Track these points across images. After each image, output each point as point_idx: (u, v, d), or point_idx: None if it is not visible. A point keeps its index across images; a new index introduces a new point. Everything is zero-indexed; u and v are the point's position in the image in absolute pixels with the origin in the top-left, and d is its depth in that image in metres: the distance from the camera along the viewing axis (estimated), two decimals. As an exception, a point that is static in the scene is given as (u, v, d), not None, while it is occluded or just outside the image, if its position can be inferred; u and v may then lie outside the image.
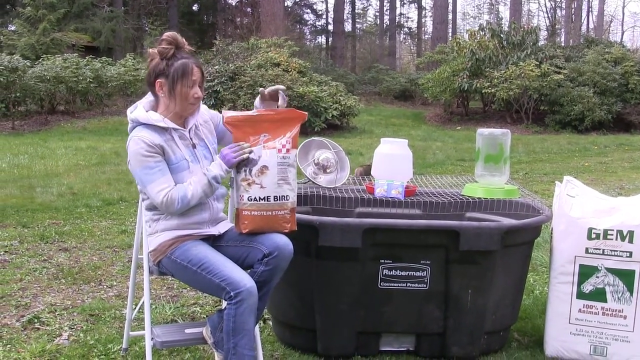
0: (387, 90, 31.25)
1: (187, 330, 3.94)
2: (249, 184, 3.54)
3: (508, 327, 4.49)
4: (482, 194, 4.37)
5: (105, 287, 5.71)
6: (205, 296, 5.45)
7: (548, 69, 22.09)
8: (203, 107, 3.75)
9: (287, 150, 3.57)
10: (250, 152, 3.50)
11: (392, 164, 4.42)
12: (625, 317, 4.16)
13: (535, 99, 22.44)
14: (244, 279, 3.35)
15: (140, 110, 3.54)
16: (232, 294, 3.33)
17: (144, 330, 3.84)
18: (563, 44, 38.15)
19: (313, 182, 4.57)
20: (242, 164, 3.54)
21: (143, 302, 3.79)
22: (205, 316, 5.00)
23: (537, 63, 22.33)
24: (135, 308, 4.27)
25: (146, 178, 3.43)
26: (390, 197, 4.25)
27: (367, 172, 12.34)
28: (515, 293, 4.40)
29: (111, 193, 10.01)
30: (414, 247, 4.03)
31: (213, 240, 3.67)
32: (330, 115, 19.11)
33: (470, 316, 4.14)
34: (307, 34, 52.54)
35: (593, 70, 22.67)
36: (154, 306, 5.12)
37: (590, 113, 21.40)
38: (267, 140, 3.56)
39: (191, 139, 3.61)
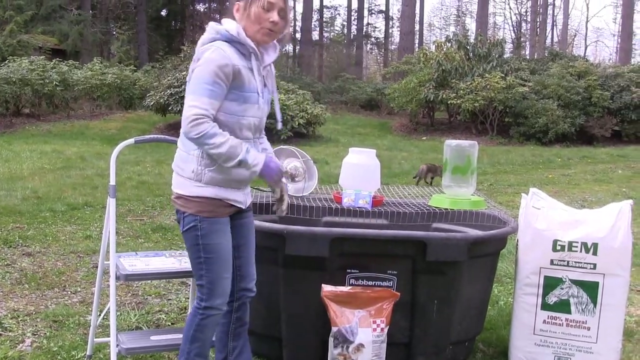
0: (353, 99, 31.32)
1: (153, 337, 3.93)
2: (345, 359, 3.85)
3: (473, 338, 4.52)
4: (449, 205, 4.40)
5: (69, 292, 5.66)
6: (170, 303, 5.43)
7: (513, 81, 22.29)
8: None
9: (382, 330, 3.91)
10: (281, 191, 3.48)
11: (360, 173, 4.44)
12: (588, 329, 4.21)
13: (501, 110, 22.62)
14: (225, 298, 3.36)
15: (232, 23, 3.24)
16: (205, 304, 3.33)
17: (108, 337, 3.82)
18: (528, 57, 38.52)
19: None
20: (339, 339, 3.88)
21: (108, 309, 3.77)
22: (170, 323, 4.99)
23: (503, 75, 22.53)
24: (100, 314, 4.24)
25: (198, 87, 3.10)
26: (358, 207, 4.27)
27: (431, 170, 12.73)
28: (481, 304, 4.43)
29: (76, 198, 9.92)
30: (380, 257, 4.04)
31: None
32: (297, 124, 19.12)
33: (436, 326, 4.16)
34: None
35: (557, 83, 22.90)
36: (118, 313, 5.08)
37: (554, 125, 21.61)
38: (362, 318, 3.87)
39: (264, 76, 3.37)
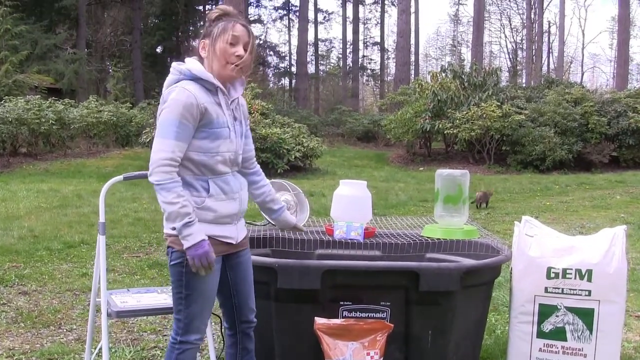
0: (350, 131, 31.39)
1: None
2: None
3: (469, 370, 4.49)
4: (442, 234, 4.38)
5: (64, 330, 5.62)
6: (165, 339, 5.39)
7: (509, 109, 22.35)
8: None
9: None
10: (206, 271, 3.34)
11: (351, 205, 4.42)
12: (585, 356, 4.17)
13: (497, 139, 22.65)
14: (200, 334, 3.38)
15: (194, 62, 3.29)
16: (180, 338, 3.35)
17: (103, 375, 3.78)
18: (524, 85, 38.67)
19: (272, 225, 4.55)
20: None
21: (102, 346, 3.74)
22: (165, 360, 4.95)
23: (499, 104, 22.59)
24: (94, 352, 4.20)
25: (164, 130, 3.13)
26: (350, 239, 4.25)
27: (486, 195, 12.97)
28: (476, 333, 4.40)
29: (72, 235, 9.88)
30: (373, 288, 4.02)
31: (230, 253, 3.49)
32: (293, 157, 19.13)
33: (430, 357, 4.13)
34: (270, 75, 52.85)
35: (554, 110, 22.97)
36: (113, 350, 5.06)
37: (552, 153, 21.64)
38: (356, 350, 3.84)
39: (233, 110, 3.40)
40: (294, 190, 4.68)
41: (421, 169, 23.12)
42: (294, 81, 47.59)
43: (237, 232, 3.45)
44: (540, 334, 4.21)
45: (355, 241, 4.26)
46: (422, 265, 3.98)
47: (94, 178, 18.64)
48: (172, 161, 3.13)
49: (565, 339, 4.18)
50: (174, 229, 3.17)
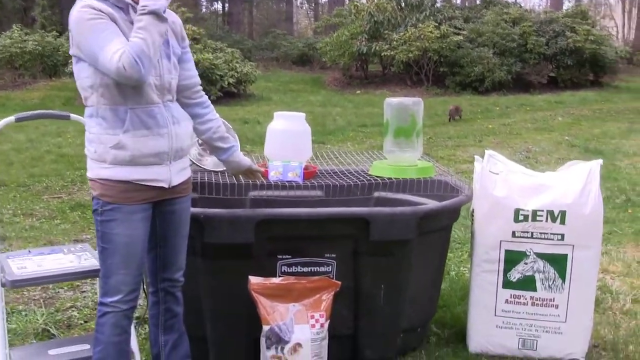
0: (285, 55, 30.53)
1: (51, 352, 3.33)
2: None
3: (427, 322, 3.98)
4: (392, 173, 3.80)
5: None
6: (84, 296, 4.79)
7: (447, 30, 21.77)
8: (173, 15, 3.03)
9: (321, 325, 3.37)
10: None
11: (288, 141, 3.81)
12: (556, 307, 3.72)
13: (435, 60, 22.11)
14: (119, 297, 2.89)
15: None
16: (100, 299, 2.93)
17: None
18: (461, 5, 38.10)
19: (198, 166, 3.93)
20: (272, 339, 3.31)
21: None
22: (83, 322, 4.36)
23: (436, 24, 21.97)
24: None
25: (97, 43, 2.65)
26: (287, 181, 3.64)
27: (457, 112, 14.12)
28: (434, 284, 3.90)
29: (-11, 176, 9.08)
30: (316, 239, 3.47)
31: (163, 199, 2.97)
32: (227, 83, 18.33)
33: (384, 315, 3.62)
34: (203, 0, 51.31)
35: (492, 30, 22.49)
36: (24, 312, 4.49)
37: (491, 74, 21.21)
38: (298, 313, 3.34)
39: None
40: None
41: (358, 92, 22.51)
42: (226, 5, 46.26)
43: (169, 174, 2.92)
44: (507, 284, 3.73)
45: (293, 183, 3.65)
46: (373, 211, 3.43)
47: (19, 111, 17.52)
48: (123, 53, 2.61)
49: (534, 289, 3.71)
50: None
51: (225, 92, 18.37)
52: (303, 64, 30.41)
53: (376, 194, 4.17)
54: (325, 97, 20.75)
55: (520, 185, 3.63)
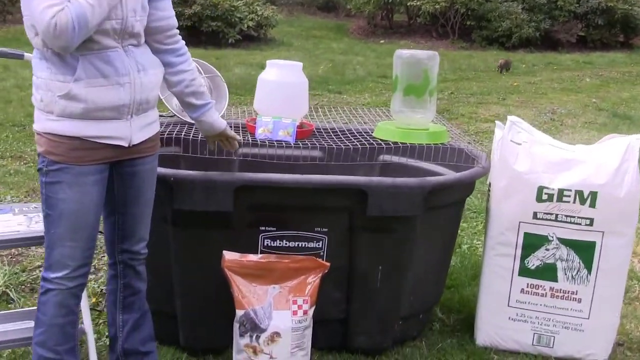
0: (310, 0, 29.87)
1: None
2: (255, 352, 2.89)
3: (431, 308, 3.53)
4: (399, 137, 3.29)
5: None
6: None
7: (476, -19, 21.08)
8: None
9: (305, 312, 2.93)
10: None
11: (281, 94, 3.32)
12: (579, 301, 3.24)
13: (462, 13, 21.41)
14: (63, 272, 2.46)
15: None
16: (43, 273, 2.52)
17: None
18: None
19: (179, 118, 3.45)
20: (247, 326, 2.87)
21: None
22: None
23: (465, -25, 21.28)
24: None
25: None
26: (277, 140, 3.16)
27: (507, 65, 14.12)
28: (441, 266, 3.42)
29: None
30: (305, 210, 3.00)
31: (122, 159, 2.54)
32: (246, 26, 17.76)
33: (381, 299, 3.17)
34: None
35: (522, -16, 21.75)
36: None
37: (518, 30, 20.49)
38: (278, 297, 2.89)
39: None
40: (209, 72, 3.55)
41: (382, 42, 21.85)
42: (252, -55, 45.32)
43: (129, 131, 2.47)
44: (524, 272, 3.25)
45: (283, 143, 3.17)
46: (372, 182, 2.93)
47: None
48: (60, 10, 2.15)
49: (555, 279, 3.23)
50: None
51: (245, 35, 17.82)
52: (328, 10, 29.72)
53: (382, 157, 3.67)
54: (347, 45, 20.15)
55: (546, 159, 3.12)
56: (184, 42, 2.70)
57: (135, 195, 2.63)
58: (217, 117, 2.81)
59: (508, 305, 3.30)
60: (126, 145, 2.46)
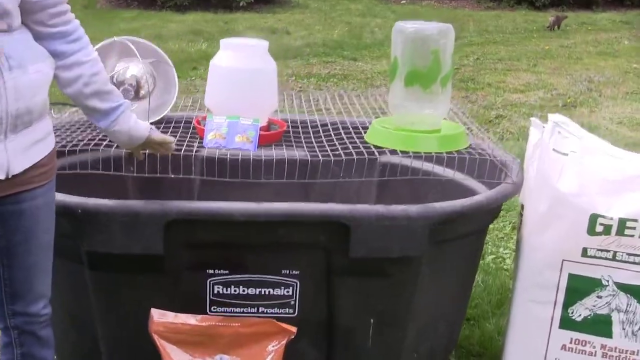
0: (330, -43, 28.92)
1: None
2: None
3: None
4: (399, 143, 2.44)
5: None
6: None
7: (505, -64, 20.05)
8: None
9: None
10: None
11: (238, 86, 2.48)
12: (641, 363, 2.40)
13: (490, -31, 20.49)
14: None
15: None
16: None
17: None
18: None
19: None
20: None
21: None
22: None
23: None
24: None
25: None
26: (233, 148, 2.32)
27: (558, 21, 13.61)
28: (455, 312, 2.60)
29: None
30: (267, 248, 2.17)
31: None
32: (258, -12, 16.94)
33: (373, 358, 2.34)
34: None
35: (554, -62, 20.69)
36: None
37: (549, -14, 19.57)
38: None
39: None
40: (153, 56, 2.70)
41: (403, 2, 20.92)
42: None
43: (5, 157, 1.77)
44: (567, 323, 2.42)
45: (239, 151, 2.33)
46: (356, 212, 2.10)
47: None
48: None
49: (609, 334, 2.42)
50: None
51: (258, -4, 17.00)
52: (349, -32, 28.81)
53: (384, 159, 2.79)
54: (366, 6, 19.23)
55: (602, 176, 2.26)
56: (78, 21, 1.90)
57: (25, 240, 1.90)
58: (135, 121, 2.02)
59: (544, 365, 2.49)
60: (3, 177, 1.72)
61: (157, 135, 2.08)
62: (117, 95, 1.96)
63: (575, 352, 2.44)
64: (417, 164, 2.60)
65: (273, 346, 2.11)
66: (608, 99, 8.10)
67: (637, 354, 2.40)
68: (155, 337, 2.06)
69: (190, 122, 2.65)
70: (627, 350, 2.40)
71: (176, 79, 2.73)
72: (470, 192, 2.48)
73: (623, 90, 8.73)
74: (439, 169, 2.64)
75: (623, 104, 7.89)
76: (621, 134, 6.53)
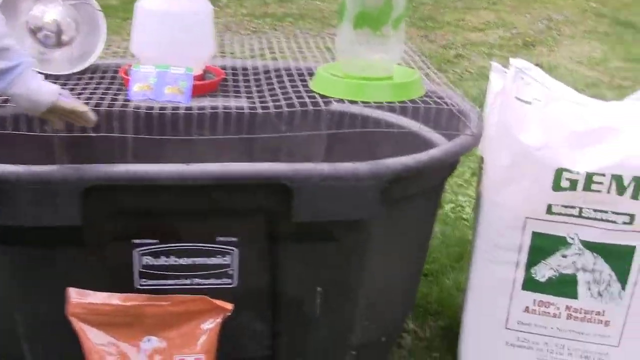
0: None
1: None
2: None
3: (397, 328, 2.54)
4: (347, 92, 2.21)
5: None
6: None
7: None
8: None
9: None
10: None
11: (169, 32, 2.23)
12: (606, 324, 2.27)
13: None
14: None
15: None
16: None
17: None
18: None
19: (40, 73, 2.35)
20: None
21: None
22: None
23: None
24: None
25: None
26: (162, 101, 2.09)
27: None
28: (410, 275, 2.41)
29: None
30: (199, 214, 1.96)
31: None
32: None
33: (322, 329, 2.17)
34: None
35: None
36: None
37: None
38: (157, 354, 1.92)
39: None
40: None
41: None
42: None
43: None
44: (530, 284, 2.26)
45: (169, 104, 2.10)
46: (300, 173, 1.89)
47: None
48: None
49: (574, 295, 2.26)
50: None
51: None
52: None
53: (332, 106, 2.58)
54: None
55: (567, 127, 2.08)
56: None
57: None
58: (39, 84, 1.76)
59: (506, 328, 2.33)
60: None
61: (67, 102, 1.83)
62: (15, 53, 1.71)
63: (538, 313, 2.29)
64: (367, 112, 2.42)
65: (207, 325, 1.91)
66: (567, 38, 7.98)
67: (603, 314, 2.25)
68: (74, 319, 1.85)
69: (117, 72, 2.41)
70: (592, 311, 2.25)
71: (104, 26, 2.47)
72: (427, 144, 2.29)
73: (581, 29, 8.62)
74: (392, 118, 2.47)
75: (581, 42, 7.77)
76: (580, 73, 6.45)
